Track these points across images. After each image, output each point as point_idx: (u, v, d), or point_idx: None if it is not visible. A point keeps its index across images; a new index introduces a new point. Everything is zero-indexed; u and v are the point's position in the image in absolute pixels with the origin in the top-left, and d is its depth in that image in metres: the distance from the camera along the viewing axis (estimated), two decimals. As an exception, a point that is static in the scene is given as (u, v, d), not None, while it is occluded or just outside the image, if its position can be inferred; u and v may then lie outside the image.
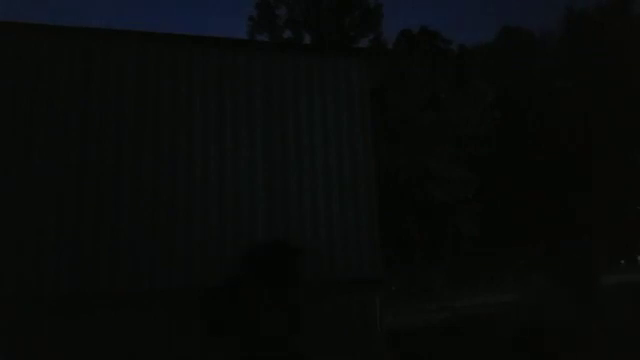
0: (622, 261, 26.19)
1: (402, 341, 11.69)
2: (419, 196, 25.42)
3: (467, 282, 24.45)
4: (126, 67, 7.77)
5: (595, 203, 26.34)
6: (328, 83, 8.56)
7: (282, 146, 8.12)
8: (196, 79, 7.99)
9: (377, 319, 7.84)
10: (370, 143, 8.55)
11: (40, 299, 6.75)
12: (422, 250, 25.69)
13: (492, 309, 15.64)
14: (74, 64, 7.59)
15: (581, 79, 29.61)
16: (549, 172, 27.57)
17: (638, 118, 27.64)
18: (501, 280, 23.37)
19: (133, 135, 7.57)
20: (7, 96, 7.26)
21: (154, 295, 7.16)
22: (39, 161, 7.15)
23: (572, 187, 26.71)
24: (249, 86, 8.19)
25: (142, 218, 7.31)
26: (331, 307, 7.28)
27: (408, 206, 25.72)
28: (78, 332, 6.72)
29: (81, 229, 7.08)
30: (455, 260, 25.64)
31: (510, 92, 30.46)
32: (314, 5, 28.61)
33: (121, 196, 7.32)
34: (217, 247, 7.49)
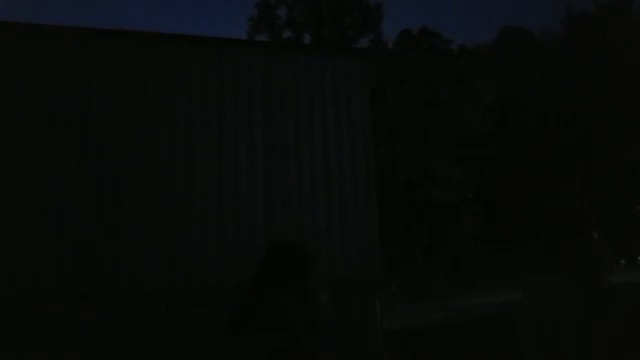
0: (622, 261, 26.20)
1: (402, 341, 11.68)
2: (419, 196, 25.43)
3: (467, 281, 24.45)
4: (126, 67, 7.77)
5: (595, 203, 26.33)
6: (328, 83, 8.56)
7: (282, 146, 8.12)
8: (196, 79, 7.99)
9: (377, 319, 7.84)
10: (370, 143, 8.54)
11: (39, 299, 6.74)
12: (422, 250, 25.70)
13: (492, 309, 15.63)
14: (74, 64, 7.59)
15: (581, 79, 29.60)
16: (549, 172, 27.56)
17: (638, 118, 27.62)
18: (501, 279, 23.38)
19: (133, 134, 7.56)
20: (6, 97, 7.26)
21: (154, 295, 7.16)
22: (39, 163, 7.14)
23: (572, 187, 26.71)
24: (249, 86, 8.19)
25: (142, 218, 7.30)
26: (331, 307, 7.27)
27: (408, 206, 25.73)
28: (79, 332, 6.71)
29: (81, 229, 7.07)
30: (455, 260, 25.65)
31: (510, 92, 30.46)
32: (314, 5, 28.60)
33: (121, 196, 7.31)
34: (216, 248, 7.49)
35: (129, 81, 7.72)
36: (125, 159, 7.46)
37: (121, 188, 7.34)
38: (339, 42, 28.00)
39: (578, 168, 26.87)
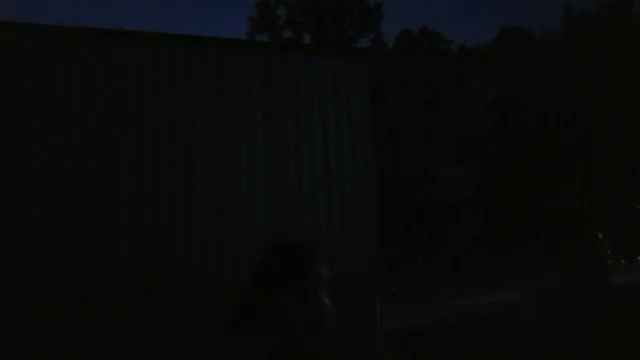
0: (622, 261, 26.20)
1: (402, 341, 11.69)
2: (419, 196, 25.43)
3: (467, 281, 24.45)
4: (126, 67, 7.77)
5: (595, 203, 26.32)
6: (328, 83, 8.56)
7: (282, 146, 8.12)
8: (196, 79, 7.99)
9: (377, 319, 7.84)
10: (370, 143, 8.54)
11: (39, 299, 6.74)
12: (422, 250, 25.70)
13: (492, 309, 15.63)
14: (74, 64, 7.59)
15: (581, 79, 29.60)
16: (549, 172, 27.56)
17: (638, 118, 27.62)
18: (501, 279, 23.38)
19: (133, 134, 7.56)
20: (6, 97, 7.26)
21: (154, 295, 7.16)
22: (39, 163, 7.14)
23: (572, 187, 26.71)
24: (249, 86, 8.19)
25: (142, 218, 7.30)
26: (332, 307, 7.26)
27: (408, 206, 25.72)
28: (79, 332, 6.71)
29: (81, 229, 7.07)
30: (455, 260, 25.65)
31: (510, 92, 30.46)
32: (314, 5, 28.60)
33: (121, 196, 7.31)
34: (216, 248, 7.49)
35: (129, 81, 7.72)
36: (125, 159, 7.46)
37: (121, 188, 7.34)
38: (339, 42, 28.00)
39: (578, 168, 26.87)
